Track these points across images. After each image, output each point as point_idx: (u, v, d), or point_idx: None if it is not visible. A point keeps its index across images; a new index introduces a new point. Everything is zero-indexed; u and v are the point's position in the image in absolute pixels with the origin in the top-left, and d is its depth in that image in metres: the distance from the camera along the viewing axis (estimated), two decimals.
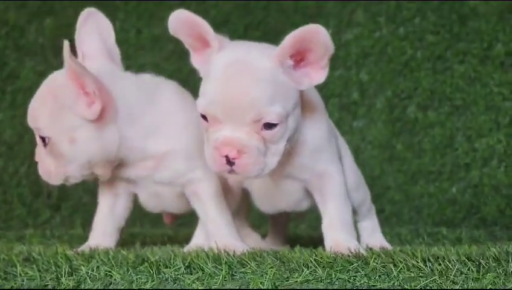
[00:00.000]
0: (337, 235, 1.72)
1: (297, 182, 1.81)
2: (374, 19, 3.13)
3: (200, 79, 1.66)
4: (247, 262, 1.43)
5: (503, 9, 3.03)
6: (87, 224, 3.00)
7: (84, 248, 1.83)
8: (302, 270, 1.39)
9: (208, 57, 1.67)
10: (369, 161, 3.07)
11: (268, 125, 1.59)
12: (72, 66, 1.71)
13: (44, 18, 3.20)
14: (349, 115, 3.12)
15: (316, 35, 1.58)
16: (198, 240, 1.88)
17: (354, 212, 1.94)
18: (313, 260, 1.42)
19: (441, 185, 3.02)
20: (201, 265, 1.41)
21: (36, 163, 1.84)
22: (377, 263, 1.42)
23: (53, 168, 1.79)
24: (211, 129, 1.62)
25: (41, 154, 1.80)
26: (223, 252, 1.50)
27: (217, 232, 1.81)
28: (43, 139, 1.78)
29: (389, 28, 3.12)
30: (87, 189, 3.10)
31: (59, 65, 2.98)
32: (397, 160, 3.07)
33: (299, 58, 1.63)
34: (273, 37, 1.71)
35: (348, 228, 1.75)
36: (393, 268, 1.40)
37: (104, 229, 1.93)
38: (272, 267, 1.40)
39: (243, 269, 1.41)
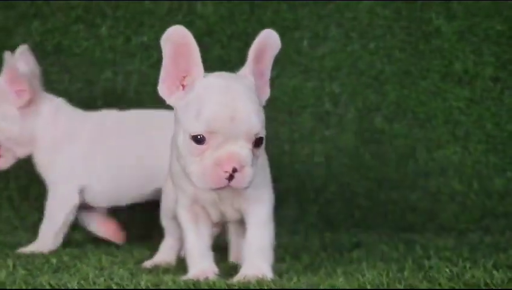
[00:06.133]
0: (253, 262, 1.83)
1: None
2: (347, 34, 3.30)
3: None
4: None
5: (463, 30, 3.25)
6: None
7: None
8: None
9: (184, 85, 1.76)
10: (339, 169, 3.26)
11: (259, 139, 1.72)
12: None
13: (32, 21, 3.21)
14: (321, 124, 3.28)
15: (269, 38, 1.77)
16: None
17: None
18: None
19: (403, 192, 3.24)
20: None
21: None
22: None
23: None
24: (208, 150, 1.68)
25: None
26: None
27: None
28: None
29: (361, 43, 3.29)
30: None
31: (47, 67, 3.04)
32: (365, 168, 3.26)
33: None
34: None
35: (265, 254, 1.85)
36: None
37: None
38: None
39: None
